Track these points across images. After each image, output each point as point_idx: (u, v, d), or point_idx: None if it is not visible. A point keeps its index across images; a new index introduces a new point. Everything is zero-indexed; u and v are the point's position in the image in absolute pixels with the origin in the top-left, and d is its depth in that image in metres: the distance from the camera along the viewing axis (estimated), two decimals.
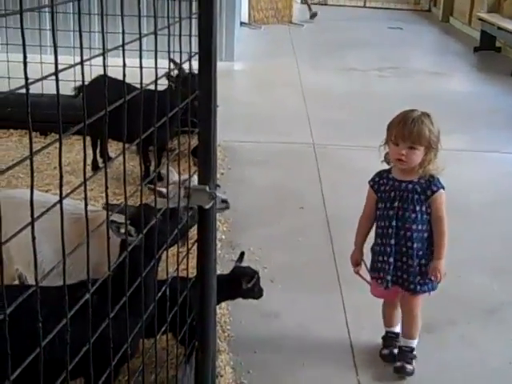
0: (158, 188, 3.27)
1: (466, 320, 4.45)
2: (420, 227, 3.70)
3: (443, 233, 3.74)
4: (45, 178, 6.14)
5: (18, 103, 5.95)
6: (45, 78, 1.63)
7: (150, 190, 3.57)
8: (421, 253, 3.71)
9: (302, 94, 9.70)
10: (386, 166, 3.83)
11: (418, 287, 3.75)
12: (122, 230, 2.72)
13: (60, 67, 1.59)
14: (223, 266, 4.57)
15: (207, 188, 2.89)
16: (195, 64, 2.79)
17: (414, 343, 3.91)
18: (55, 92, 1.60)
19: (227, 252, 5.07)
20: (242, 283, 3.80)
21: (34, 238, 1.48)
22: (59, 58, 1.58)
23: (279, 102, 9.38)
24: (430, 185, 3.70)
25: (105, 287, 2.01)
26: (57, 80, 1.55)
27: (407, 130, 3.59)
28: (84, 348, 1.92)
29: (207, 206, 2.92)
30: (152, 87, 2.33)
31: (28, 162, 1.48)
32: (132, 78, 2.27)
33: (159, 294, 2.64)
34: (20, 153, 6.78)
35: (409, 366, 3.85)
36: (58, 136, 1.58)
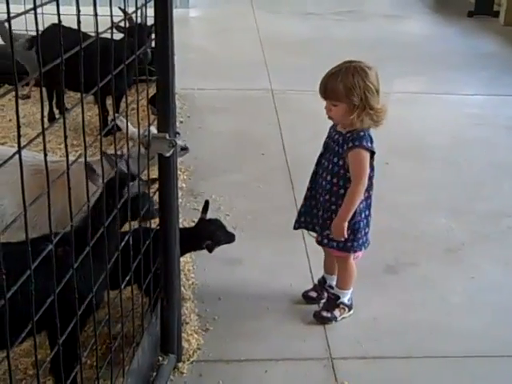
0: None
1: (427, 261, 4.52)
2: (335, 180, 3.58)
3: (350, 194, 3.53)
4: (0, 131, 6.04)
5: None
6: None
7: (107, 148, 3.53)
8: (332, 207, 3.60)
9: (259, 40, 9.63)
10: None
11: (325, 241, 3.70)
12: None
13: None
14: (185, 214, 4.57)
15: (167, 136, 2.87)
16: (150, 11, 2.75)
17: (341, 293, 3.89)
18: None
19: (188, 201, 5.07)
20: (202, 244, 3.77)
21: None
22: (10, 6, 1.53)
23: (236, 48, 9.30)
24: (351, 140, 3.50)
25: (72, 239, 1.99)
26: (10, 27, 1.51)
27: (322, 85, 3.49)
28: (48, 299, 1.92)
29: (167, 154, 2.91)
30: (106, 36, 2.29)
31: None
32: (84, 28, 2.22)
33: (122, 244, 2.63)
34: None
35: (325, 314, 3.87)
36: (11, 88, 1.55)
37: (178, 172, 5.06)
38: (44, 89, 6.25)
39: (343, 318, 3.90)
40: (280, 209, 5.04)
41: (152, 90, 3.11)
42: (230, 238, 3.88)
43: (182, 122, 6.49)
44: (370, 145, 3.51)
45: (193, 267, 4.29)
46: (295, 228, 3.92)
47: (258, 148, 6.08)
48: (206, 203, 3.92)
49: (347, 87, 3.41)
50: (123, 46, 2.75)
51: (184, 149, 4.15)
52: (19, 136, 1.57)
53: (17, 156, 1.60)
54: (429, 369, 3.59)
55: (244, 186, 5.39)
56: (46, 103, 6.30)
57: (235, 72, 8.21)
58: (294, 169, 5.67)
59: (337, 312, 3.89)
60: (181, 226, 3.54)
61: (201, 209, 3.86)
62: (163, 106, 2.95)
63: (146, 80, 3.27)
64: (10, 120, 6.22)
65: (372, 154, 3.54)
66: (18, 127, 1.56)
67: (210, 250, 3.73)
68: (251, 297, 4.07)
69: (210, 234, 3.78)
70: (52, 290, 1.94)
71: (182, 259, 3.97)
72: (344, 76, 3.42)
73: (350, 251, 3.72)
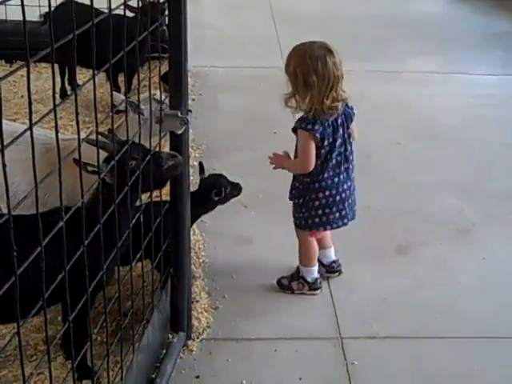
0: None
1: (438, 241, 4.51)
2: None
3: (294, 162, 3.83)
4: (12, 107, 6.03)
5: None
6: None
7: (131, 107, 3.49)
8: (295, 183, 3.86)
9: (271, 17, 9.55)
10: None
11: (293, 219, 3.89)
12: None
13: None
14: None
15: (179, 113, 2.86)
16: None
17: (301, 268, 3.96)
18: (20, 18, 1.55)
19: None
20: (211, 195, 3.81)
21: (4, 166, 1.44)
22: None
23: (249, 25, 9.24)
24: (299, 121, 3.68)
25: (80, 215, 1.99)
26: (22, 2, 1.50)
27: None
28: (59, 276, 1.92)
29: (179, 132, 2.90)
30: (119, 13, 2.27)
31: None
32: (96, 4, 2.20)
33: (133, 221, 2.63)
34: None
35: (283, 281, 3.96)
36: (23, 63, 1.54)
37: (190, 150, 5.05)
38: (56, 65, 6.25)
39: (302, 293, 3.94)
40: None
41: (164, 68, 3.10)
42: (235, 186, 3.97)
43: (193, 99, 6.47)
44: (310, 127, 3.60)
45: (203, 245, 4.29)
46: None
47: (270, 126, 6.04)
48: (200, 164, 4.06)
49: (286, 65, 3.62)
50: (136, 23, 2.74)
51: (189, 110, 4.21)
52: (31, 113, 1.56)
53: (29, 133, 1.59)
54: (438, 349, 3.59)
55: (255, 164, 5.36)
56: (58, 80, 6.29)
57: (248, 49, 8.16)
58: None
59: (294, 285, 3.95)
60: None
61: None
62: (175, 83, 2.94)
63: (158, 57, 3.25)
64: (22, 96, 6.21)
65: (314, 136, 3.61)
66: (30, 104, 1.55)
67: (220, 199, 3.82)
68: (261, 275, 4.08)
69: (212, 183, 3.88)
70: (61, 265, 1.94)
71: (192, 237, 3.97)
72: (290, 54, 3.63)
73: (304, 229, 3.84)
